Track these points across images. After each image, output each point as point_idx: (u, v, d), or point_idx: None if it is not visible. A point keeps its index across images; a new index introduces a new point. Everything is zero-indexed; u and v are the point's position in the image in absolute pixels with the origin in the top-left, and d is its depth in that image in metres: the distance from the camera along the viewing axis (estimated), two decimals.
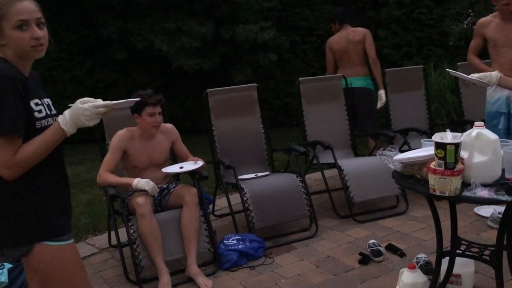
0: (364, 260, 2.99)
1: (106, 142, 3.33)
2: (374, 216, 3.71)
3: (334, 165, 3.75)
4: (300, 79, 4.21)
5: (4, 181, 1.52)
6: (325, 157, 3.85)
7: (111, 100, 1.61)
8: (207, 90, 3.78)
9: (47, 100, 1.68)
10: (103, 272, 3.12)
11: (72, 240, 1.64)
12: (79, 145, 6.72)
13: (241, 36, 6.81)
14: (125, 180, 2.98)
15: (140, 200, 2.87)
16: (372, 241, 3.14)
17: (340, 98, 4.24)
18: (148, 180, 2.91)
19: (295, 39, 7.90)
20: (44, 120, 1.59)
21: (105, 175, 2.97)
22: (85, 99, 1.58)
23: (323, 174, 3.78)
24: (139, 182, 2.89)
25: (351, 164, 3.81)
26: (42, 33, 1.56)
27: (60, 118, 1.56)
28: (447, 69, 3.23)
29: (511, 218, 2.24)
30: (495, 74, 2.85)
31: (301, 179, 3.52)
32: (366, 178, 3.69)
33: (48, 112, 1.63)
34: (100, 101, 1.58)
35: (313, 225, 3.52)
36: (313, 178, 4.62)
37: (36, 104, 1.58)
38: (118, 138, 3.05)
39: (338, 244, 3.29)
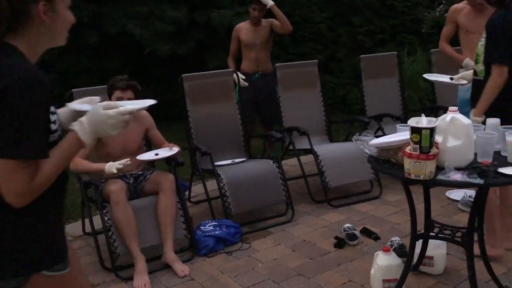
0: (340, 243, 3.04)
1: None
2: (349, 201, 3.76)
3: (310, 151, 3.77)
4: (276, 64, 4.19)
5: (6, 207, 1.25)
6: (301, 143, 3.86)
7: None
8: (183, 75, 3.73)
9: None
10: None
11: (68, 269, 1.39)
12: None
13: (216, 21, 6.73)
14: (97, 166, 2.93)
15: (114, 187, 2.83)
16: (347, 225, 3.18)
17: (316, 84, 4.25)
18: (112, 163, 2.82)
19: None
20: (56, 134, 1.33)
21: (78, 161, 2.90)
22: (106, 103, 1.35)
23: (299, 160, 3.80)
24: (109, 167, 2.84)
25: (326, 149, 3.84)
26: None
27: (76, 127, 1.30)
28: (424, 75, 3.27)
29: (482, 201, 2.30)
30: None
31: (277, 165, 3.52)
32: (341, 163, 3.73)
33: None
34: (124, 107, 1.35)
35: (289, 210, 3.55)
36: (290, 164, 4.62)
37: (52, 113, 1.30)
38: None
39: (314, 229, 3.33)
